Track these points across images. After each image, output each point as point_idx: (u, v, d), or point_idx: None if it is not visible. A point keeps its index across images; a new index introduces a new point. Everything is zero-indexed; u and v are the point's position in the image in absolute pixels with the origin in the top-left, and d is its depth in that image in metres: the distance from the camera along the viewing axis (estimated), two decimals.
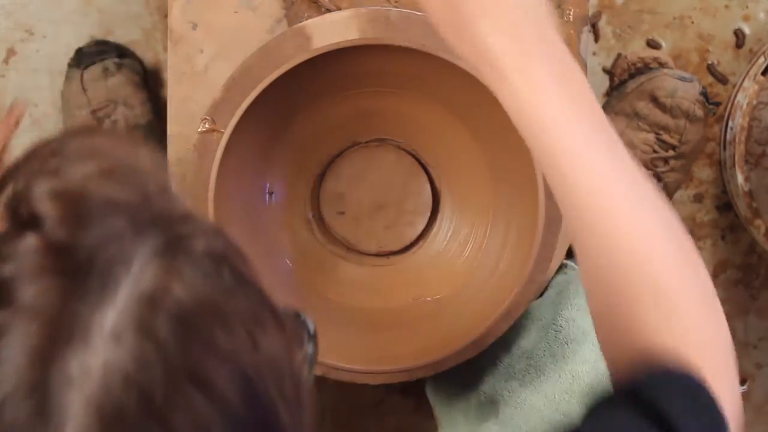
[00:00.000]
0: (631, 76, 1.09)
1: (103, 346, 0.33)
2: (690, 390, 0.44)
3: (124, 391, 0.33)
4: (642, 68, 1.08)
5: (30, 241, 0.35)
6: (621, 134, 1.04)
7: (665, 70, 1.05)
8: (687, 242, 0.49)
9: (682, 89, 1.03)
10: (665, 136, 1.05)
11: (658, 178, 1.06)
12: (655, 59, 1.08)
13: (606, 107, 1.10)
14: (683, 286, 0.48)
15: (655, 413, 0.43)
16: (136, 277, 0.35)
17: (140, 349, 0.33)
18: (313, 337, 0.48)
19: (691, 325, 0.47)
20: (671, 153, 1.06)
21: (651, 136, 1.05)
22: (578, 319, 0.79)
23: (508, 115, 0.51)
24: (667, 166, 1.06)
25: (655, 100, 1.04)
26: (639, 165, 0.50)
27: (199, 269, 0.36)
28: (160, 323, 0.34)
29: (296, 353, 0.42)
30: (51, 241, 0.35)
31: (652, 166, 1.06)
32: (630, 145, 1.05)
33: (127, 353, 0.33)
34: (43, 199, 0.36)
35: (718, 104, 1.10)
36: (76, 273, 0.34)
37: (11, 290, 0.34)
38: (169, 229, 0.37)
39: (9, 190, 0.38)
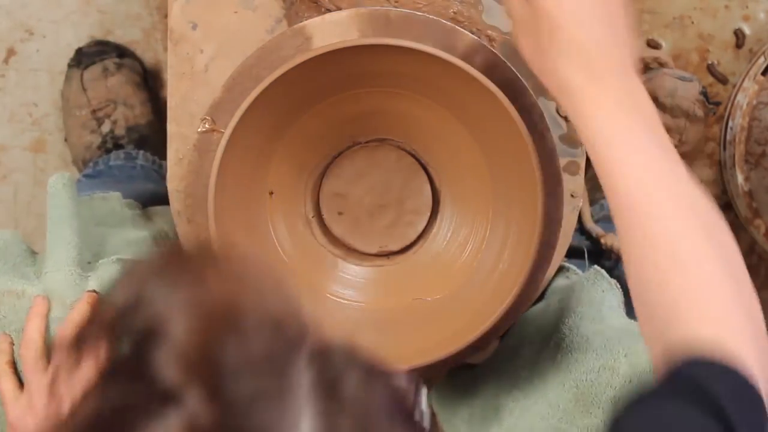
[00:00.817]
0: None
1: None
2: (733, 377, 0.46)
3: None
4: (642, 68, 1.08)
5: (174, 422, 0.32)
6: None
7: (665, 70, 1.05)
8: (726, 242, 0.53)
9: (682, 89, 1.03)
10: None
11: None
12: (655, 59, 1.08)
13: None
14: (718, 282, 0.50)
15: (703, 398, 0.44)
16: None
17: None
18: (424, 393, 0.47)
19: (725, 315, 0.50)
20: None
21: None
22: (582, 327, 0.78)
23: (583, 143, 0.59)
24: None
25: (655, 100, 1.04)
26: (695, 181, 0.54)
27: (356, 421, 0.34)
28: None
29: None
30: (197, 424, 0.32)
31: None
32: None
33: None
34: (169, 368, 0.33)
35: (718, 104, 1.09)
36: None
37: None
38: (319, 373, 0.34)
39: (115, 348, 0.35)
